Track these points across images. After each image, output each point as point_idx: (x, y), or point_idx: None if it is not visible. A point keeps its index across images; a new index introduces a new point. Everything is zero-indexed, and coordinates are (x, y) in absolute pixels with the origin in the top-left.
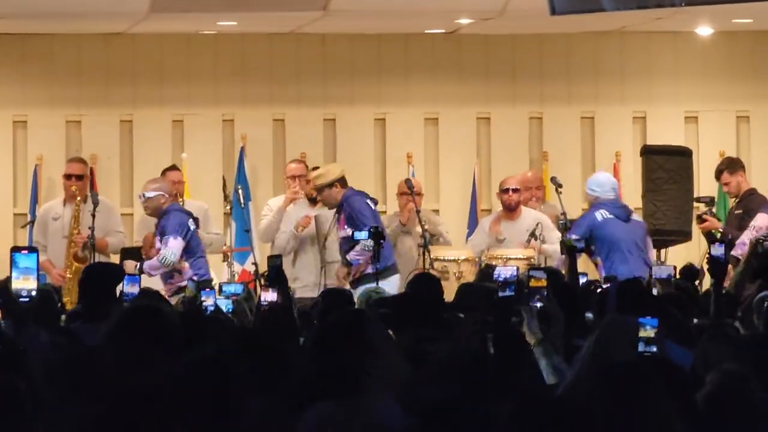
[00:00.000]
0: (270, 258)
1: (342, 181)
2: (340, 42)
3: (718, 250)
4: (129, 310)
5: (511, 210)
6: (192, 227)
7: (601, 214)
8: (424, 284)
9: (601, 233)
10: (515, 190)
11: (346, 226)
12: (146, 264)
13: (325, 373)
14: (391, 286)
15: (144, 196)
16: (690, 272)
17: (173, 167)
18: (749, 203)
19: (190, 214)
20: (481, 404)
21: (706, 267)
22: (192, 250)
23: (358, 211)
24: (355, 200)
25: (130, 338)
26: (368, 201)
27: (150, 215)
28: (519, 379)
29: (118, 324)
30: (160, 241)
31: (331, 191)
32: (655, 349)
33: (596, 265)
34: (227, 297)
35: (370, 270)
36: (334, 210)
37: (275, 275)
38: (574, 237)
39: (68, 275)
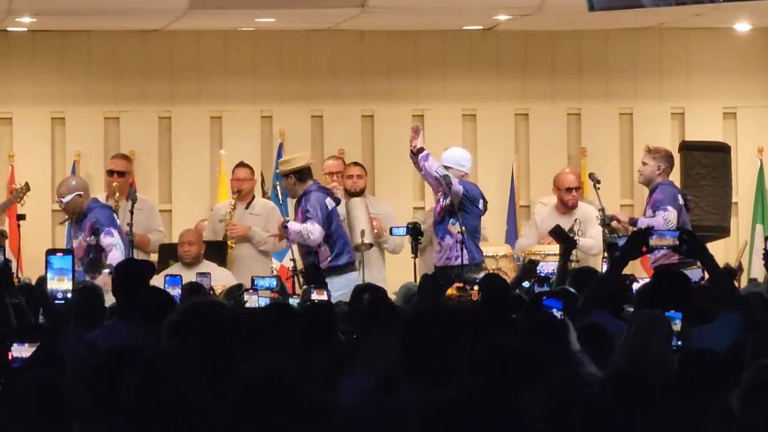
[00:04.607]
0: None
1: (300, 175)
2: (378, 38)
3: None
4: (190, 307)
5: (571, 208)
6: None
7: None
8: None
9: None
10: (577, 189)
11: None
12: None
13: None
14: (347, 283)
15: (62, 201)
16: (727, 272)
17: (241, 164)
18: None
19: (112, 209)
20: (509, 396)
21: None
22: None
23: (308, 208)
24: (312, 196)
25: (192, 336)
26: (328, 200)
27: (72, 218)
28: (555, 372)
29: (180, 321)
30: (91, 236)
31: (288, 181)
32: (680, 342)
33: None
34: (262, 291)
35: (331, 265)
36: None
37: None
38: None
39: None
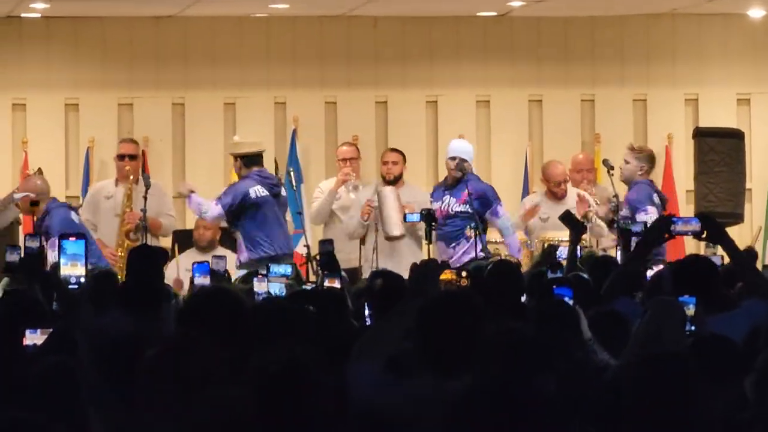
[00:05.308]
0: (322, 243)
1: (245, 160)
2: (392, 24)
3: None
4: (202, 293)
5: (560, 198)
6: (76, 220)
7: None
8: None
9: None
10: (566, 181)
11: None
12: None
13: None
14: None
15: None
16: (749, 255)
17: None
18: None
19: (71, 207)
20: (525, 382)
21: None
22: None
23: (226, 190)
24: (241, 182)
25: (200, 323)
26: (257, 188)
27: (26, 214)
28: (565, 357)
29: (189, 307)
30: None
31: (235, 164)
32: (694, 327)
33: None
34: (275, 278)
35: (250, 258)
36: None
37: (328, 260)
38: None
39: (120, 254)
